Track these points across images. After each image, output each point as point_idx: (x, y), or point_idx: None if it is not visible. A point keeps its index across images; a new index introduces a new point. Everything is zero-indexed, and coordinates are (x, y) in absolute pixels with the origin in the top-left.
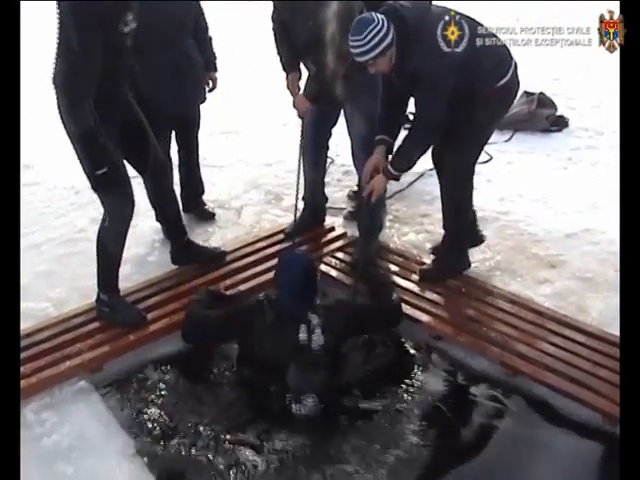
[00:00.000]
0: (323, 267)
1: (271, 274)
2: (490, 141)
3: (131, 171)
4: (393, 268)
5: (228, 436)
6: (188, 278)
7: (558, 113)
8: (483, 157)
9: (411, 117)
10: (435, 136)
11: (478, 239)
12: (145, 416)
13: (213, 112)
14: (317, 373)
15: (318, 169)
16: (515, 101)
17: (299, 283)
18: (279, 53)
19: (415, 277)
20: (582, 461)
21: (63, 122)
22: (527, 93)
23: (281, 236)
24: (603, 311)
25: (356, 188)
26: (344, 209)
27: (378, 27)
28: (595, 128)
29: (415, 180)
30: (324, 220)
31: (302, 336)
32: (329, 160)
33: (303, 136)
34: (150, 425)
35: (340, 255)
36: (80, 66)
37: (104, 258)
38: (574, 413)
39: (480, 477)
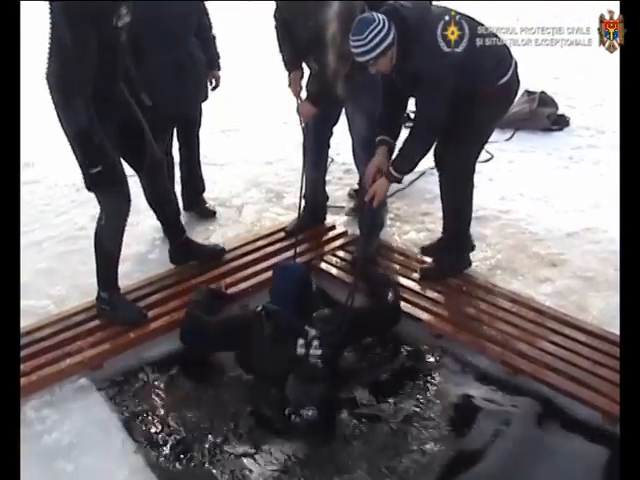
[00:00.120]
0: (324, 265)
1: (271, 272)
2: (491, 140)
3: (128, 170)
4: (394, 266)
5: (227, 447)
6: (189, 276)
7: (559, 112)
8: (484, 156)
9: (412, 115)
10: (436, 136)
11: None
12: (145, 414)
13: (214, 110)
14: (316, 386)
15: (319, 167)
16: (516, 100)
17: (294, 296)
18: (281, 51)
19: (416, 275)
20: (582, 460)
21: (59, 120)
22: (528, 92)
23: (282, 234)
24: (604, 310)
25: (357, 186)
26: (345, 207)
27: (379, 27)
28: (596, 127)
29: (416, 179)
30: (325, 218)
31: (300, 350)
32: (329, 159)
33: (305, 135)
34: (150, 424)
35: (341, 253)
36: (73, 62)
37: (102, 256)
38: (574, 412)
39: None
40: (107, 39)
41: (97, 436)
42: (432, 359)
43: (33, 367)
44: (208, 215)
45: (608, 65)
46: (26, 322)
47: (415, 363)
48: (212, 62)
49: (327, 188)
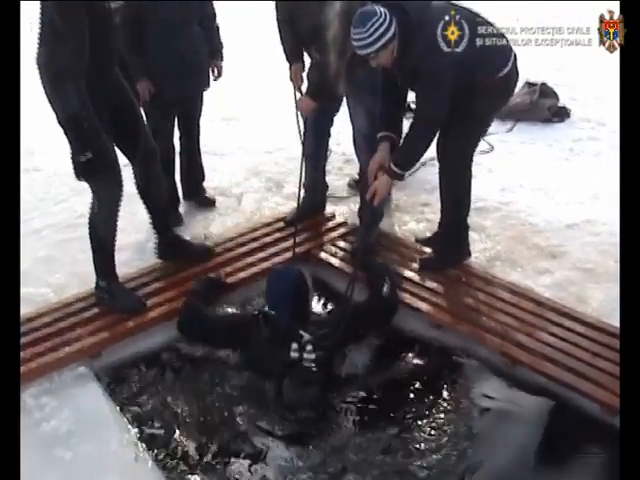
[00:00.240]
0: (323, 255)
1: (271, 262)
2: (491, 131)
3: (122, 159)
4: (393, 257)
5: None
6: (187, 265)
7: (560, 104)
8: (484, 147)
9: (412, 106)
10: (436, 132)
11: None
12: (144, 402)
13: (214, 99)
14: (310, 389)
15: (319, 157)
16: (517, 91)
17: (289, 300)
18: (282, 42)
19: (415, 266)
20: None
21: (50, 104)
22: (529, 83)
23: (281, 224)
24: (603, 302)
25: (357, 177)
26: (344, 197)
27: (381, 20)
28: (597, 119)
29: (416, 169)
30: (324, 208)
31: (293, 354)
32: (329, 150)
33: (305, 124)
34: (148, 412)
35: (340, 243)
36: (64, 45)
37: (97, 243)
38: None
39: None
40: (99, 21)
41: (95, 424)
42: (432, 359)
43: (32, 355)
44: (208, 204)
45: (610, 58)
46: (25, 310)
47: (415, 363)
48: (215, 52)
49: (327, 178)
